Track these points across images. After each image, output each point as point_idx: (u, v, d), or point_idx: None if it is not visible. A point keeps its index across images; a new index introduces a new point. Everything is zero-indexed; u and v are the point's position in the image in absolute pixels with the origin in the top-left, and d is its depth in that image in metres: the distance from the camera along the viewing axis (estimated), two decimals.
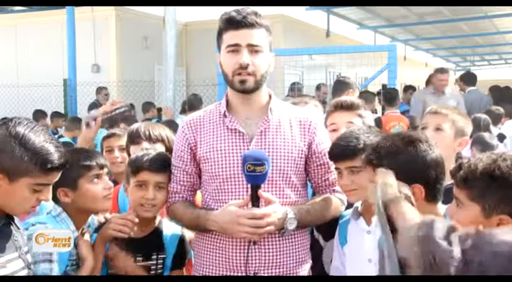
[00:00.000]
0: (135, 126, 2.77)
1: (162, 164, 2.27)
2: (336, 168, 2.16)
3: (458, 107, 6.58)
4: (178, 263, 2.33)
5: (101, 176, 2.17)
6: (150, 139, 2.63)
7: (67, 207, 2.12)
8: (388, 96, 6.45)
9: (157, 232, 2.31)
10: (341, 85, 4.79)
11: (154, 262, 2.26)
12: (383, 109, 6.95)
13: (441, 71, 7.22)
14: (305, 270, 2.17)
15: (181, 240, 2.35)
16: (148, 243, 2.27)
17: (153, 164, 2.25)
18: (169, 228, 2.35)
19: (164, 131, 2.72)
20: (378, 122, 5.80)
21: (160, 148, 2.58)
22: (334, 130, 2.58)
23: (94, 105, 9.10)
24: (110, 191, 2.19)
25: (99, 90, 9.55)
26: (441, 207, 1.81)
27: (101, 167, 2.18)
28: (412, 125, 5.85)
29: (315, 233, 2.40)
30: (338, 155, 2.12)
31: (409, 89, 9.91)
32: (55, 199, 2.07)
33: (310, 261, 2.23)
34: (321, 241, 2.39)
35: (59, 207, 2.12)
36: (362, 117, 2.62)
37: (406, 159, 1.74)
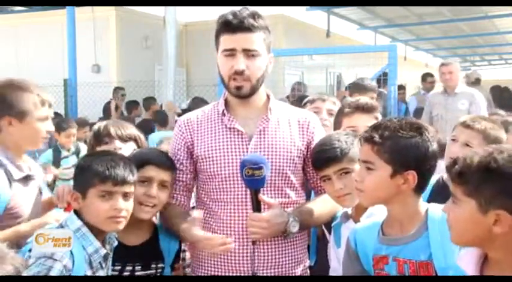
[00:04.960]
0: (101, 124, 2.44)
1: (169, 161, 2.13)
2: (322, 178, 2.10)
3: (472, 107, 5.92)
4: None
5: (114, 194, 1.86)
6: (121, 138, 2.36)
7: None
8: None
9: (155, 239, 2.16)
10: (356, 88, 4.77)
11: (154, 271, 2.12)
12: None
13: (442, 64, 6.36)
14: (302, 269, 2.18)
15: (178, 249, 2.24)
16: (145, 251, 2.12)
17: (160, 160, 2.12)
18: (167, 236, 2.18)
19: (134, 130, 2.45)
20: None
21: (132, 146, 2.37)
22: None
23: (107, 106, 9.03)
24: (118, 213, 1.86)
25: (116, 90, 9.20)
26: (423, 203, 1.80)
27: (122, 183, 1.85)
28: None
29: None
30: (326, 160, 2.06)
31: (399, 89, 8.48)
32: (76, 212, 1.91)
33: (308, 261, 2.24)
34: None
35: (78, 220, 1.88)
36: (378, 119, 2.56)
37: (410, 144, 1.71)
